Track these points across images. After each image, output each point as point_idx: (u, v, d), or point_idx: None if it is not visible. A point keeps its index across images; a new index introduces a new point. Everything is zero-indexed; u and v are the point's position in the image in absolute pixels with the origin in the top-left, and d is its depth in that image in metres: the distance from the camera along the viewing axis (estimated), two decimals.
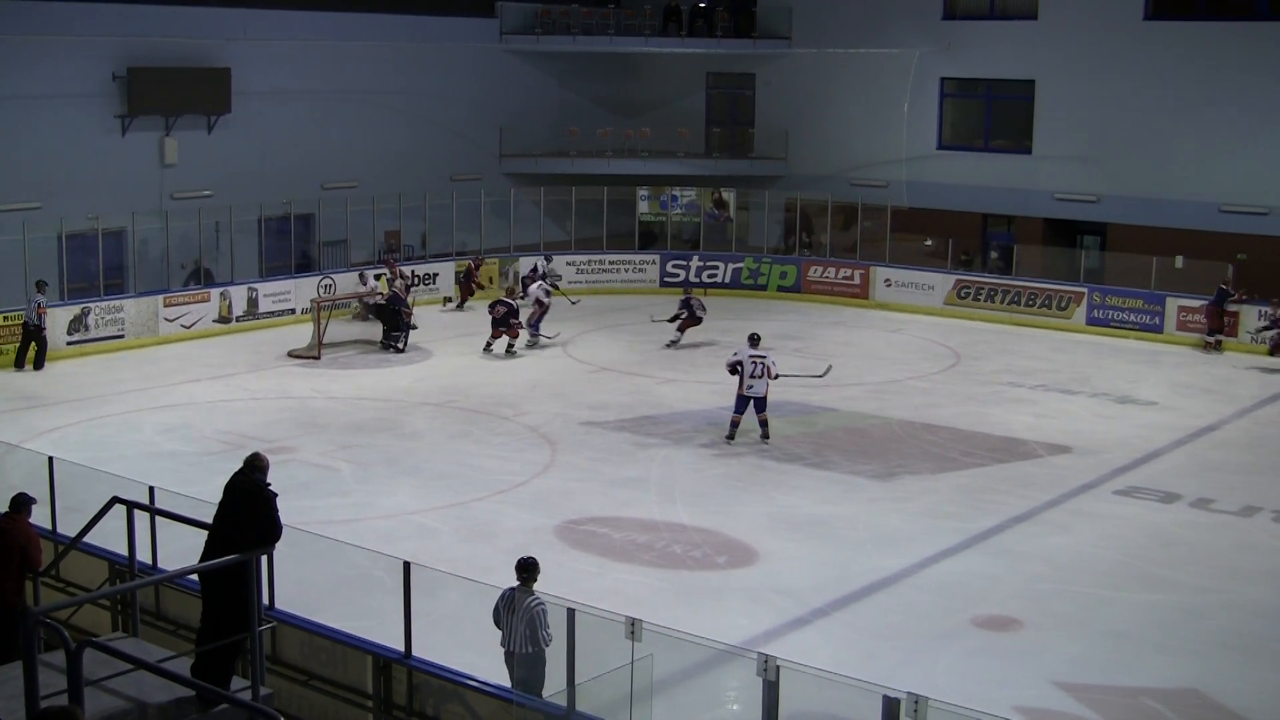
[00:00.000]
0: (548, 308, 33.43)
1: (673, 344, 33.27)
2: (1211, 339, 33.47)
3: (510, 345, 31.99)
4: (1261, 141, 36.21)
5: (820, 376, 27.44)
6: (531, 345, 32.56)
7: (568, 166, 43.84)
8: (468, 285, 38.45)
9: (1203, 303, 34.16)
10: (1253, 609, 17.79)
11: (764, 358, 24.90)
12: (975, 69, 41.41)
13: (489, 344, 31.98)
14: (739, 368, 24.81)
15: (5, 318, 30.09)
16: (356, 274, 36.12)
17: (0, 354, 29.89)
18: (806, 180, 43.22)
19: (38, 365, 29.79)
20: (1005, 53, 40.46)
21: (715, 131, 46.86)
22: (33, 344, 29.82)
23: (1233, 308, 33.67)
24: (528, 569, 13.04)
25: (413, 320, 32.80)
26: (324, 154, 38.92)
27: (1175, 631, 17.00)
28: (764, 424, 24.87)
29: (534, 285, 34.07)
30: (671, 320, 33.64)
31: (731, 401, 25.13)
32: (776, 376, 24.96)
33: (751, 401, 24.75)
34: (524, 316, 32.64)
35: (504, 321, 31.90)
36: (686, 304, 33.86)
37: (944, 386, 29.75)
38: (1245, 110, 36.40)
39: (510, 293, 34.13)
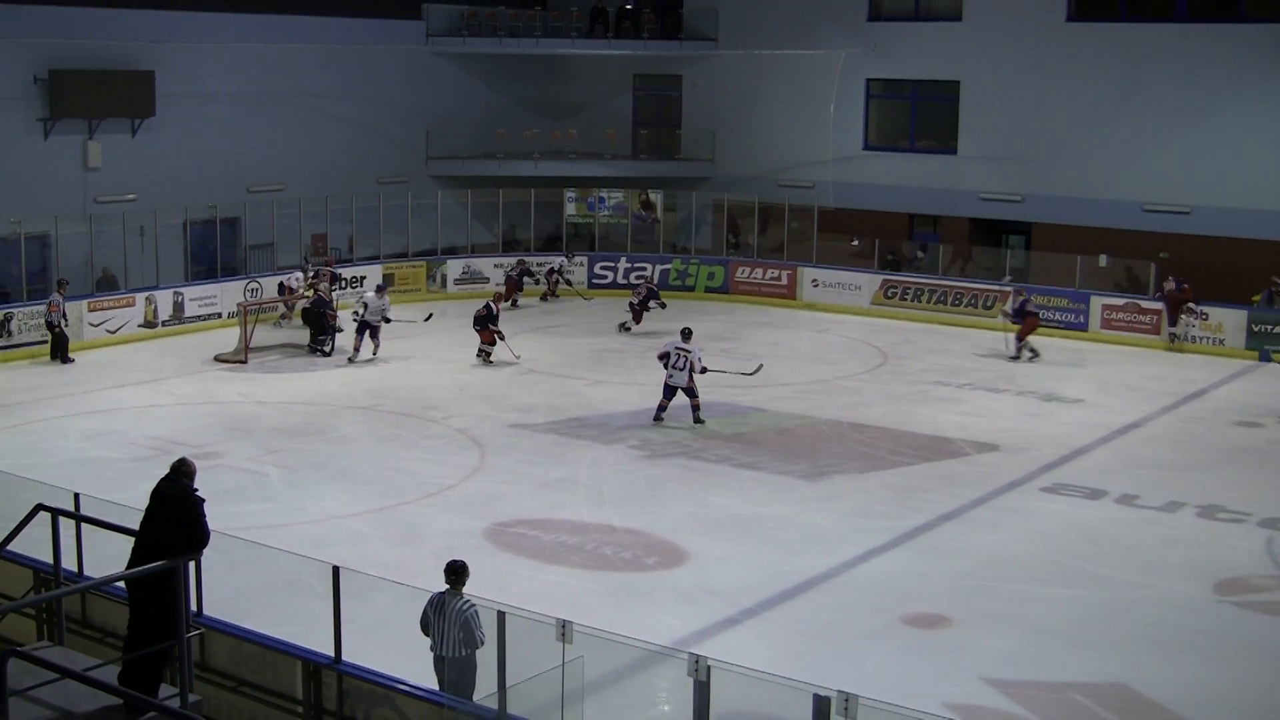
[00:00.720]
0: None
1: (625, 327, 35.07)
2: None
3: (486, 353, 31.52)
4: (1183, 141, 36.62)
5: (750, 374, 27.70)
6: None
7: (495, 169, 43.76)
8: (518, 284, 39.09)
9: (1127, 300, 34.52)
10: (1176, 603, 17.98)
11: (689, 351, 26.02)
12: (900, 70, 41.67)
13: (483, 353, 31.60)
14: (666, 357, 26.16)
15: None
16: (298, 273, 36.13)
17: None
18: (733, 181, 43.37)
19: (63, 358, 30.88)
20: (930, 54, 40.74)
21: (642, 133, 46.91)
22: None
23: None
24: (457, 572, 13.02)
25: (338, 323, 32.61)
26: (250, 157, 38.68)
27: (1101, 626, 17.15)
28: (694, 409, 26.10)
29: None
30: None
31: (676, 403, 25.31)
32: (703, 370, 26.10)
33: (677, 390, 26.04)
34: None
35: (482, 325, 31.46)
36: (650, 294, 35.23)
37: (872, 386, 29.90)
38: (1167, 110, 36.82)
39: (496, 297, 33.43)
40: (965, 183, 39.99)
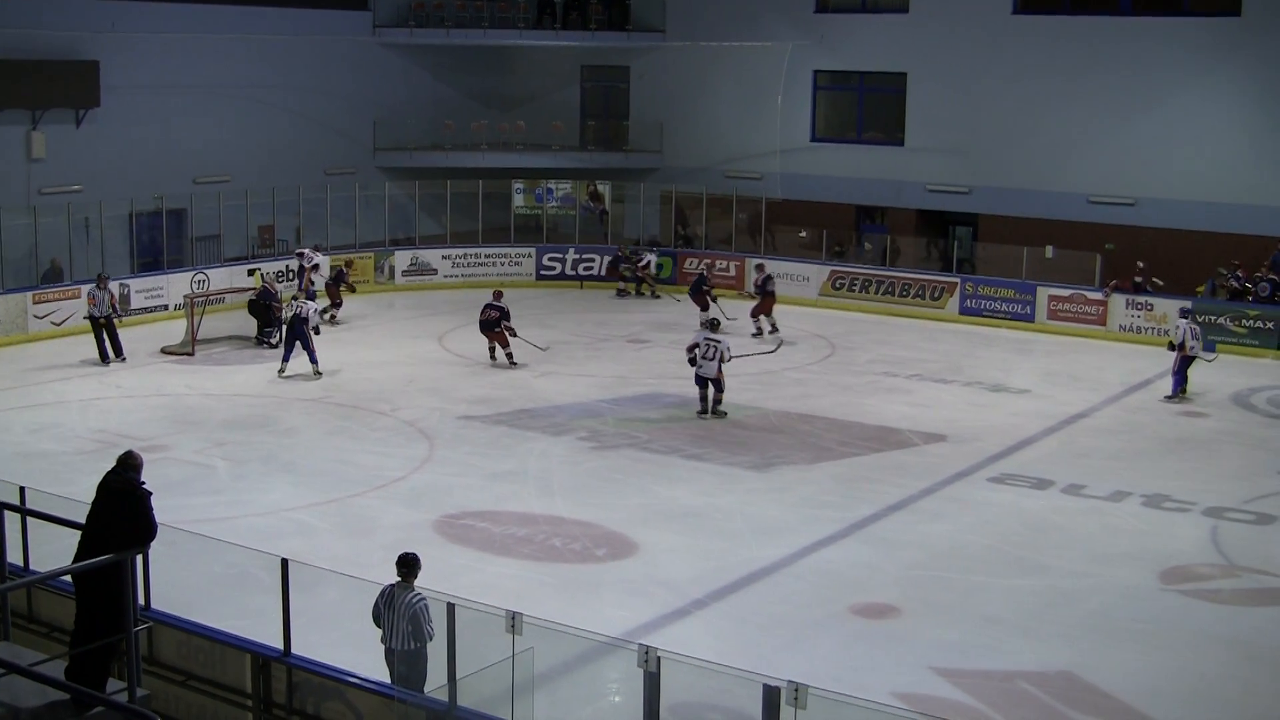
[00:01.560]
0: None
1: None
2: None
3: (508, 354, 30.24)
4: (1128, 133, 36.90)
5: (773, 352, 29.58)
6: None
7: (442, 160, 43.66)
8: (336, 288, 36.01)
9: (1073, 291, 34.75)
10: (1121, 592, 18.10)
11: (719, 341, 26.26)
12: (847, 62, 41.82)
13: (493, 353, 30.70)
14: (695, 348, 26.38)
15: None
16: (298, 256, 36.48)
17: None
18: (682, 173, 43.42)
19: (117, 352, 30.38)
20: (877, 46, 40.91)
21: (590, 124, 46.88)
22: (105, 334, 30.21)
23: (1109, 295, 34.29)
24: (408, 565, 13.00)
25: (283, 315, 32.38)
26: (196, 148, 38.46)
27: (1047, 615, 17.26)
28: (717, 401, 26.40)
29: None
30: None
31: (607, 394, 25.19)
32: (729, 359, 26.33)
33: (708, 381, 26.29)
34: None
35: (494, 325, 30.20)
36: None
37: (819, 377, 29.98)
38: (1111, 103, 37.08)
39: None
40: (912, 174, 40.17)
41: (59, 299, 32.95)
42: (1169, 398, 28.33)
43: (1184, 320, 28.68)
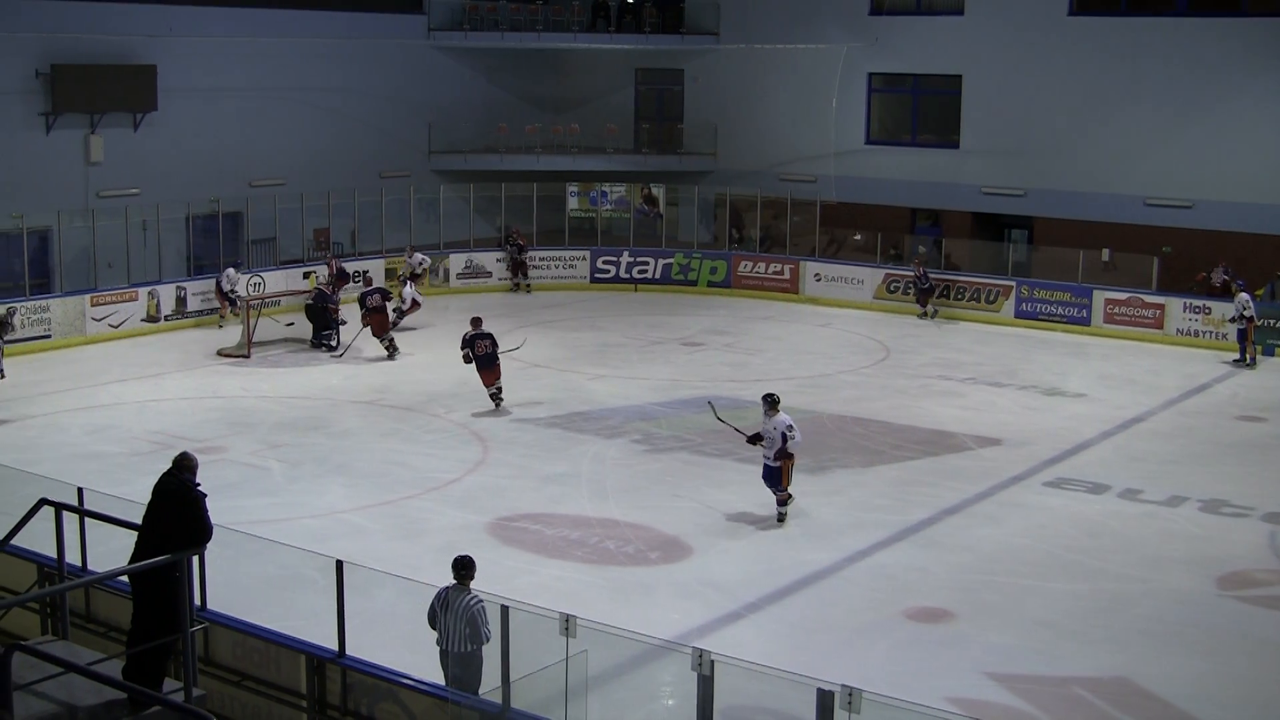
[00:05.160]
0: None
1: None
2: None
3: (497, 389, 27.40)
4: (1185, 135, 36.62)
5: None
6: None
7: (496, 163, 43.77)
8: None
9: (1130, 295, 34.52)
10: (1177, 597, 17.98)
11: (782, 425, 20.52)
12: (902, 64, 41.66)
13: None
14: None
15: None
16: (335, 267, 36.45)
17: None
18: (735, 175, 43.37)
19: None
20: (932, 48, 40.74)
21: (644, 127, 46.90)
22: None
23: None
24: (464, 567, 13.02)
25: (340, 316, 32.52)
26: (252, 151, 38.68)
27: (1103, 621, 17.16)
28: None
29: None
30: None
31: (660, 398, 25.14)
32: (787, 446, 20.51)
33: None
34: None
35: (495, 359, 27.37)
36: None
37: (873, 380, 29.89)
38: (1168, 105, 36.82)
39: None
40: (967, 177, 39.99)
41: (117, 301, 33.19)
42: (1237, 361, 30.21)
43: (1244, 294, 30.24)
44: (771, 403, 20.63)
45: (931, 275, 36.93)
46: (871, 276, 38.31)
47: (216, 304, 34.96)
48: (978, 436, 25.36)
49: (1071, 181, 38.22)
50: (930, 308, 36.75)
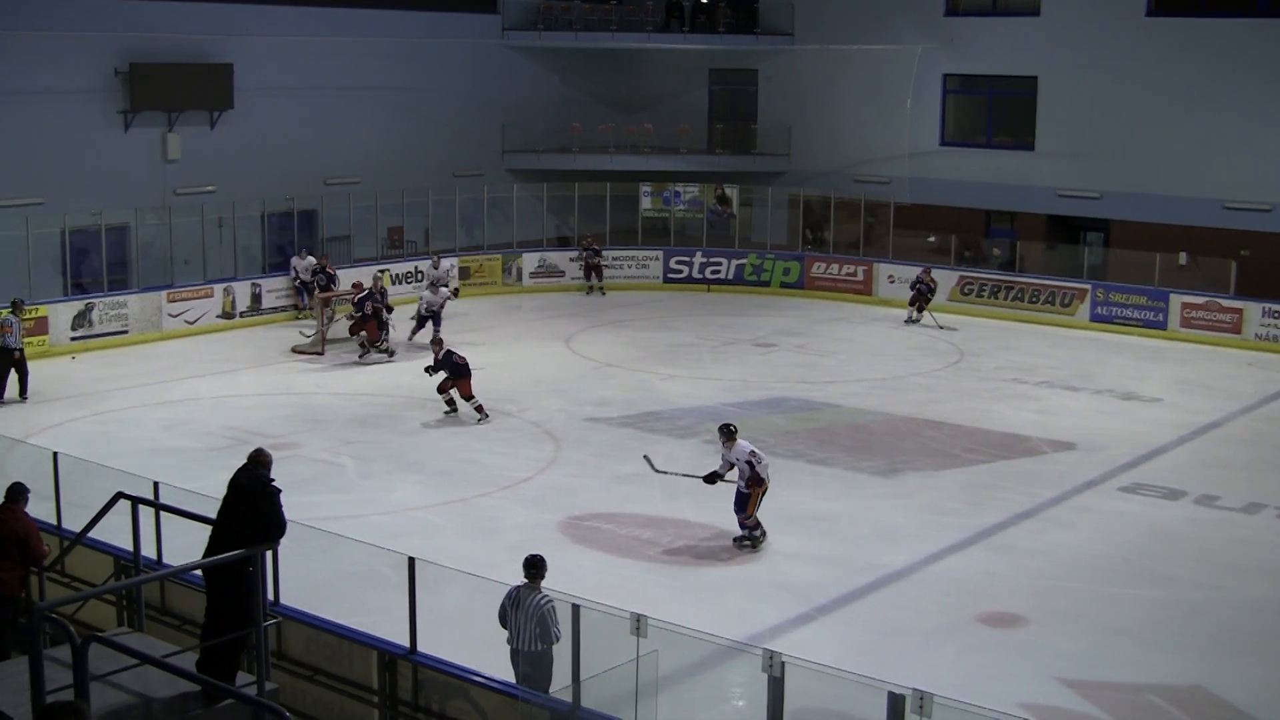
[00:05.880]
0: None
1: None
2: None
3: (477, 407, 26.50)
4: (1264, 138, 36.21)
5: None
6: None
7: (570, 162, 43.84)
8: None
9: (1207, 299, 34.20)
10: (1254, 605, 17.79)
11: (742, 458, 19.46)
12: (977, 65, 41.41)
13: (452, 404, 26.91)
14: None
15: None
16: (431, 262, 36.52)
17: None
18: (809, 176, 43.25)
19: (23, 393, 26.97)
20: (1007, 49, 40.47)
21: (718, 127, 46.85)
22: (13, 371, 26.93)
23: None
24: (535, 566, 13.05)
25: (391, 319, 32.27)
26: (326, 150, 38.89)
27: (1177, 628, 17.01)
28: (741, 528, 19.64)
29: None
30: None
31: (732, 398, 25.04)
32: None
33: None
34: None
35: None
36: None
37: (947, 383, 29.74)
38: (1247, 107, 36.42)
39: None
40: (1042, 179, 39.69)
41: (193, 298, 33.48)
42: None
43: None
44: (729, 433, 19.46)
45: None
46: (945, 279, 38.09)
47: (294, 300, 35.21)
48: (1052, 440, 25.17)
49: (1148, 184, 37.86)
50: (920, 314, 36.34)
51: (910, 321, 35.99)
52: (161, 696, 10.94)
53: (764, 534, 19.45)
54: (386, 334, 31.43)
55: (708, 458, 23.56)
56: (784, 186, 43.60)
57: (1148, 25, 38.02)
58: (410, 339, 31.86)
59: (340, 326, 32.26)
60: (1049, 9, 39.57)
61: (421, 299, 32.73)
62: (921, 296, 36.18)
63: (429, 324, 32.00)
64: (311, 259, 35.07)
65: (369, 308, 30.89)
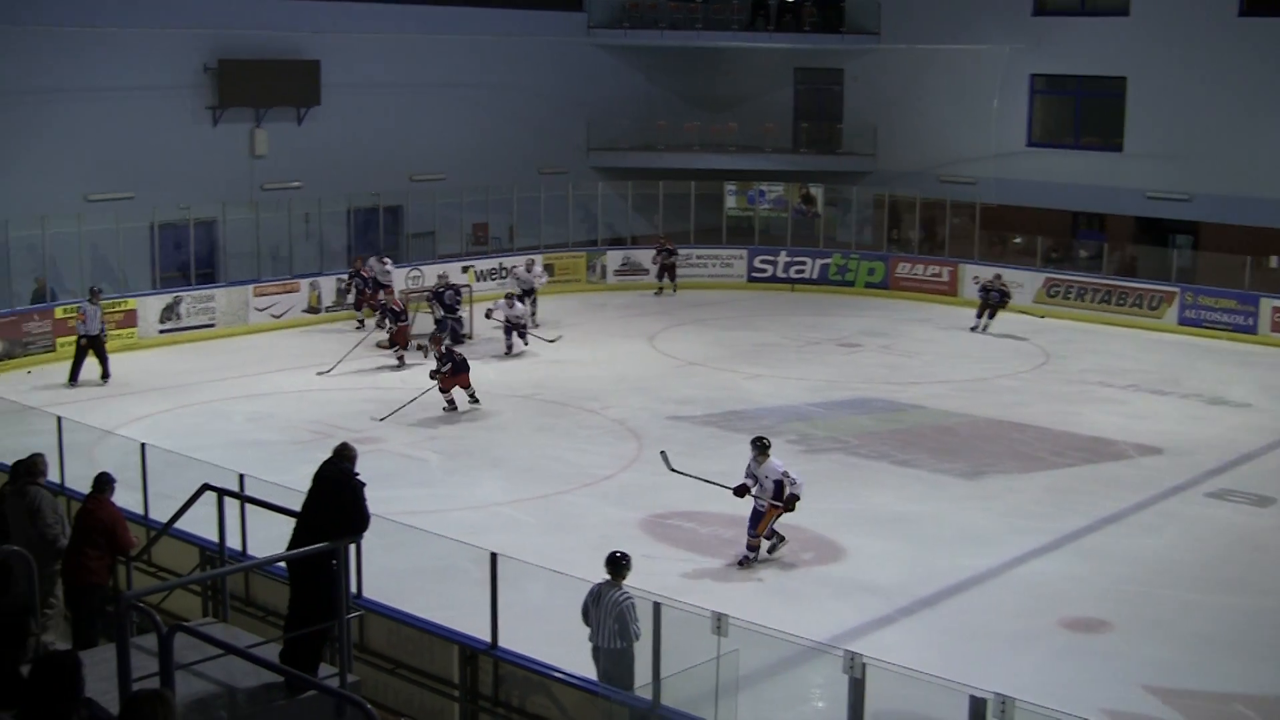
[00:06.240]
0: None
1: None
2: None
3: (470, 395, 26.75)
4: None
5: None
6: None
7: (655, 160, 43.83)
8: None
9: None
10: None
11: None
12: (1065, 65, 41.02)
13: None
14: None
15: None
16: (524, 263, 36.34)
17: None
18: (895, 176, 43.02)
19: (104, 375, 28.23)
20: (1096, 49, 40.06)
21: (803, 126, 46.70)
22: (90, 353, 28.22)
23: None
24: (616, 563, 13.05)
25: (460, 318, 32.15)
26: (412, 146, 39.07)
27: (1265, 637, 16.81)
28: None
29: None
30: None
31: (816, 398, 24.93)
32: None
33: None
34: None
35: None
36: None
37: (1032, 385, 29.49)
38: None
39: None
40: (1131, 181, 39.25)
41: (279, 292, 33.77)
42: None
43: None
44: (761, 447, 18.62)
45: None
46: (1031, 280, 37.79)
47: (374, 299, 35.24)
48: (1138, 445, 24.91)
49: (1239, 186, 37.37)
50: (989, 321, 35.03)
51: (976, 330, 34.84)
52: (245, 687, 11.01)
53: (783, 539, 18.96)
54: (449, 335, 31.44)
55: (789, 458, 23.50)
56: (869, 186, 43.40)
57: (1239, 26, 37.52)
58: (508, 353, 31.33)
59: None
60: (1138, 9, 39.14)
61: (498, 305, 31.64)
62: (992, 304, 35.13)
63: (514, 335, 31.42)
64: (388, 263, 34.92)
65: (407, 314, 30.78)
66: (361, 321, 32.60)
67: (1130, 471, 23.40)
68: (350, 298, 34.57)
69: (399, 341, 30.30)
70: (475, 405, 26.47)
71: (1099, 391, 28.97)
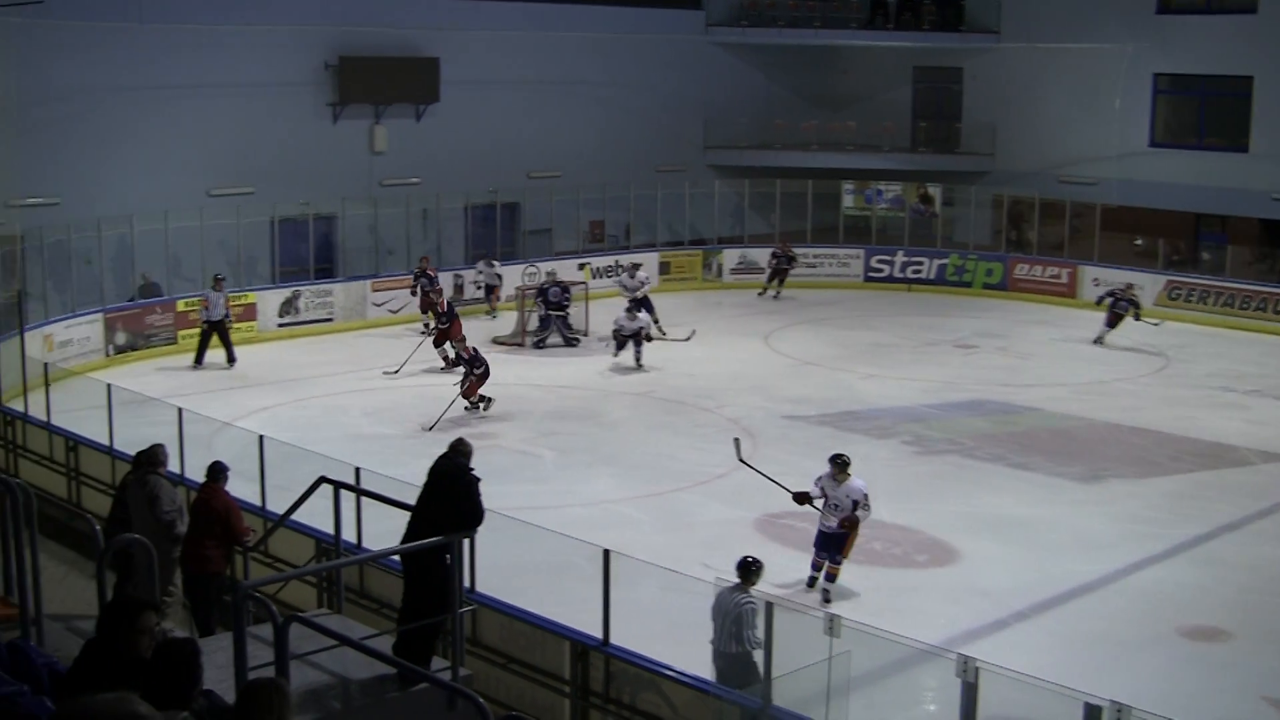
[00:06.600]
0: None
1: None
2: None
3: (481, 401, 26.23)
4: None
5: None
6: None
7: (772, 159, 43.71)
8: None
9: None
10: None
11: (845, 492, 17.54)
12: (1190, 65, 40.41)
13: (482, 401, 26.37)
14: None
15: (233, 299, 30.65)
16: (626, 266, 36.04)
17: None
18: (1014, 176, 42.60)
19: (230, 359, 29.36)
20: (1221, 48, 39.43)
21: (921, 125, 46.38)
22: (214, 338, 29.38)
23: None
24: (747, 569, 13.00)
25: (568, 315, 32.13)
26: (529, 143, 39.23)
27: None
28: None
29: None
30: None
31: (932, 399, 24.72)
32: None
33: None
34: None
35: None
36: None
37: (1152, 389, 29.09)
38: None
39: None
40: (1256, 182, 38.57)
41: (397, 287, 34.02)
42: None
43: None
44: (840, 465, 17.55)
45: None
46: (1153, 283, 37.27)
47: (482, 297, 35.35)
48: (1262, 451, 24.48)
49: None
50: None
51: (1099, 341, 33.34)
52: (358, 678, 11.10)
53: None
54: (553, 332, 31.58)
55: (905, 459, 23.42)
56: (987, 186, 43.01)
57: None
58: (616, 355, 31.02)
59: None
60: (1266, 7, 38.47)
61: (619, 320, 30.21)
62: (1119, 314, 33.50)
63: (630, 345, 29.91)
64: (496, 265, 35.00)
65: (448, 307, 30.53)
66: (427, 324, 32.26)
67: (1252, 478, 23.03)
68: (416, 297, 34.01)
69: (439, 342, 29.63)
70: (472, 411, 25.66)
71: (1220, 396, 28.52)
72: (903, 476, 22.54)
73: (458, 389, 25.65)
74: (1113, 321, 33.29)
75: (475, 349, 26.40)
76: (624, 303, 31.33)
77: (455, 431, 21.07)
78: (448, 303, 30.87)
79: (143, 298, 31.18)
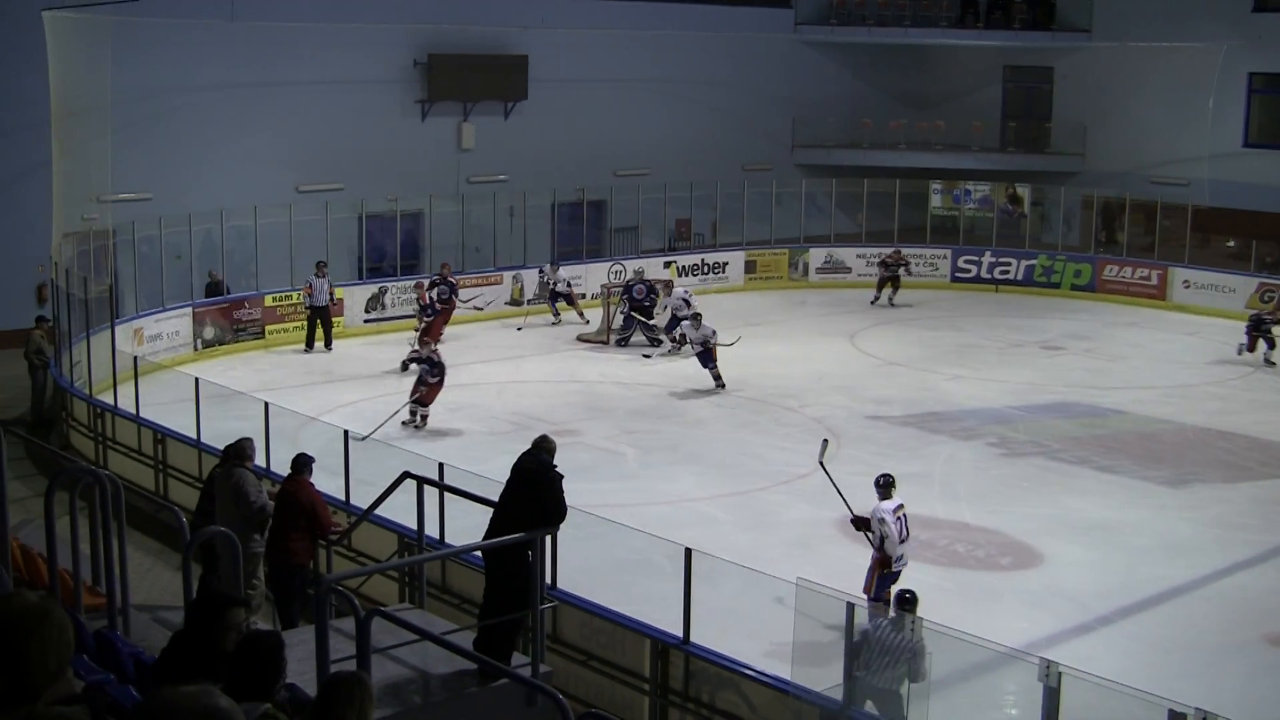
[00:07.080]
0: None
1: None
2: None
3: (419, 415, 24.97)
4: None
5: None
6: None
7: (859, 158, 43.59)
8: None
9: None
10: None
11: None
12: None
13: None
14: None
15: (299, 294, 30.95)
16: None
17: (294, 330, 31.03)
18: (1104, 177, 42.23)
19: (328, 344, 30.65)
20: None
21: (1011, 125, 46.11)
22: (319, 323, 30.59)
23: None
24: (905, 602, 12.62)
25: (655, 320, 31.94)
26: (616, 142, 39.31)
27: None
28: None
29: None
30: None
31: (1018, 401, 24.52)
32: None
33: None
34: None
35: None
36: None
37: (1242, 393, 28.74)
38: None
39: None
40: None
41: (482, 284, 34.15)
42: None
43: None
44: (879, 485, 16.15)
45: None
46: (1244, 285, 36.79)
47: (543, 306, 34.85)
48: None
49: None
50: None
51: (1270, 363, 30.82)
52: (439, 673, 11.17)
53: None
54: (636, 330, 31.56)
55: (989, 460, 23.28)
56: (1077, 187, 42.67)
57: None
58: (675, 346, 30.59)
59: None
60: None
61: (686, 328, 29.34)
62: (1264, 330, 31.13)
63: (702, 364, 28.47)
64: (563, 270, 34.60)
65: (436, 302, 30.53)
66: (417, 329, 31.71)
67: None
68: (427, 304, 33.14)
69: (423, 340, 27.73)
70: (410, 424, 24.61)
71: None
72: (986, 478, 22.42)
73: (409, 395, 24.78)
74: (1254, 344, 31.10)
75: (439, 353, 25.20)
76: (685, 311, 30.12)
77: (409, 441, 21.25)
78: (429, 297, 30.87)
79: (209, 296, 31.11)
